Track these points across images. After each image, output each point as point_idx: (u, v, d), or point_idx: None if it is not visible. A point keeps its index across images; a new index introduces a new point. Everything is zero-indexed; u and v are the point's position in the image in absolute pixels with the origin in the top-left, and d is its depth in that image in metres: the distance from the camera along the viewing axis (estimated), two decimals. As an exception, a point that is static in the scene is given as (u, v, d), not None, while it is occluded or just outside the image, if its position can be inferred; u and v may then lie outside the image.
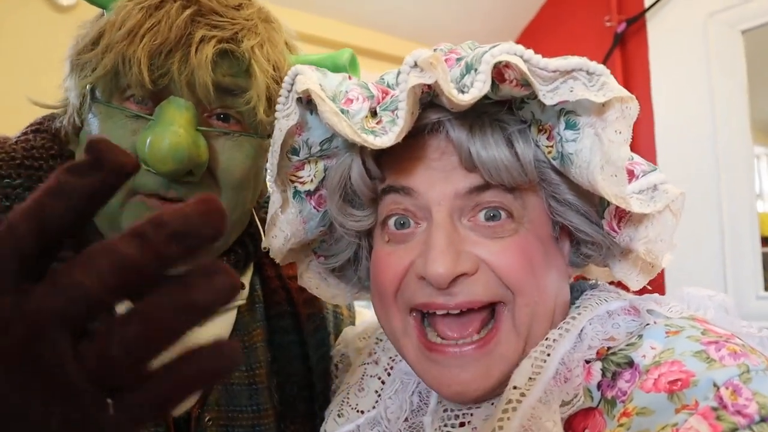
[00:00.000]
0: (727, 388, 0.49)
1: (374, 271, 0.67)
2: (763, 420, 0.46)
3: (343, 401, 0.77)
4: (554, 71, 0.52)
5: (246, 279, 0.88)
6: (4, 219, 0.29)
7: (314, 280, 0.79)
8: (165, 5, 0.68)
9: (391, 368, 0.76)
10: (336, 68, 0.76)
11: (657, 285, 1.49)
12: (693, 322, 0.58)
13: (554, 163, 0.61)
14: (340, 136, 0.60)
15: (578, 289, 0.71)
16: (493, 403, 0.64)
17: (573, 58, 0.53)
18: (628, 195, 0.58)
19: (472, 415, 0.64)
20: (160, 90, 0.68)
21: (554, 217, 0.65)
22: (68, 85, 0.75)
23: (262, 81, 0.72)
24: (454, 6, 2.92)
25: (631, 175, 0.61)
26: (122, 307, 0.30)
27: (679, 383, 0.51)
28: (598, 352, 0.60)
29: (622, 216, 0.62)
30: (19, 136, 0.79)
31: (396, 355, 0.77)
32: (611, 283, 0.73)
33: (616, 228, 0.63)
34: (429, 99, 0.60)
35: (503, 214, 0.61)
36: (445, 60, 0.59)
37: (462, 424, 0.64)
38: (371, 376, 0.77)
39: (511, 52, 0.53)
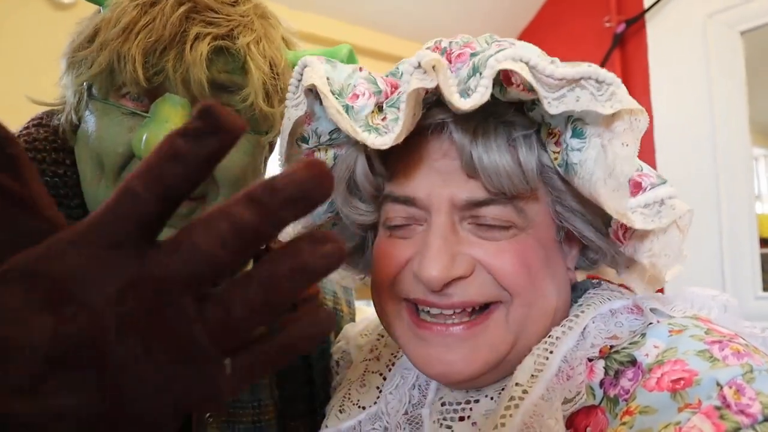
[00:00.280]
0: (730, 388, 0.49)
1: (374, 260, 0.68)
2: (766, 419, 0.46)
3: (344, 397, 0.77)
4: (560, 79, 0.51)
5: None
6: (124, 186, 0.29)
7: None
8: (160, 2, 0.68)
9: (392, 364, 0.76)
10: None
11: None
12: (696, 322, 0.58)
13: (559, 170, 0.60)
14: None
15: (581, 287, 0.70)
16: (492, 398, 0.64)
17: (582, 65, 0.52)
18: (633, 209, 0.57)
19: (471, 409, 0.64)
20: (156, 87, 0.68)
21: (560, 222, 0.64)
22: (65, 82, 0.75)
23: (258, 77, 0.71)
24: (453, 6, 2.92)
25: (639, 187, 0.59)
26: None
27: (682, 382, 0.51)
28: (601, 350, 0.60)
29: (628, 227, 0.61)
30: (21, 131, 0.79)
31: (397, 351, 0.77)
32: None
33: (621, 238, 0.61)
34: (435, 98, 0.60)
35: (498, 225, 0.61)
36: (458, 55, 0.58)
37: (461, 419, 0.64)
38: (373, 372, 0.78)
39: (516, 58, 0.52)
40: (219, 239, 0.29)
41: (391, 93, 0.60)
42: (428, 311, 0.63)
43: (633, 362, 0.57)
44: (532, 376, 0.58)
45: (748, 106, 2.38)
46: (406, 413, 0.70)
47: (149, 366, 0.29)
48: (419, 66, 0.53)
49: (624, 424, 0.52)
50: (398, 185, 0.64)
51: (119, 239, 0.29)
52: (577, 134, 0.56)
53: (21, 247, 0.31)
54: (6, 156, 0.32)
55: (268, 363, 0.32)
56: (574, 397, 0.57)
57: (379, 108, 0.60)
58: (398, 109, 0.57)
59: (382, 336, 0.83)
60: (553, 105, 0.53)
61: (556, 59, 0.56)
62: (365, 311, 1.07)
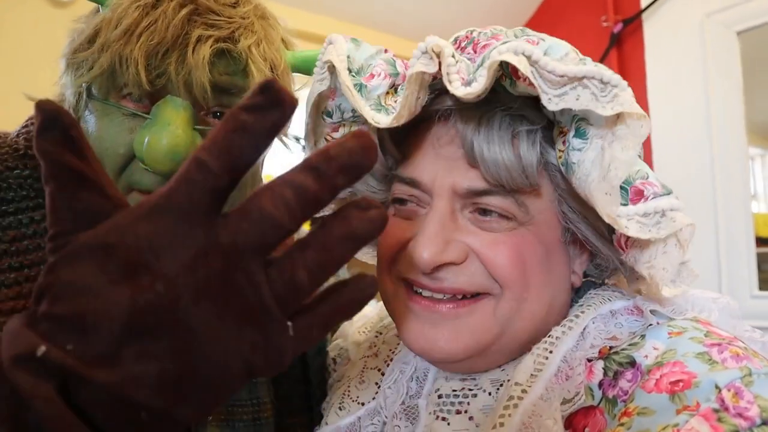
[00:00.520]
0: (729, 390, 0.49)
1: (379, 237, 0.69)
2: (764, 423, 0.46)
3: (344, 394, 0.77)
4: (562, 76, 0.51)
5: None
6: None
7: None
8: (161, 4, 0.68)
9: (391, 360, 0.76)
10: (300, 59, 0.77)
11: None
12: (696, 324, 0.58)
13: (562, 169, 0.60)
14: None
15: (582, 288, 0.70)
16: (489, 394, 0.64)
17: (588, 64, 0.52)
18: (630, 216, 0.56)
19: (468, 403, 0.64)
20: (157, 89, 0.68)
21: (565, 223, 0.64)
22: (64, 82, 0.75)
23: (259, 80, 0.72)
24: (451, 5, 2.92)
25: (640, 195, 0.57)
26: None
27: (681, 384, 0.51)
28: (600, 351, 0.60)
29: (630, 236, 0.60)
30: (20, 129, 0.79)
31: (395, 347, 0.77)
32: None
33: (623, 246, 0.61)
34: (442, 85, 0.61)
35: (498, 213, 0.62)
36: (484, 46, 0.59)
37: (458, 412, 0.64)
38: (371, 369, 0.78)
39: (518, 51, 0.52)
40: (284, 205, 0.30)
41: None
42: (421, 292, 0.64)
43: (632, 363, 0.57)
44: (532, 375, 0.58)
45: (744, 106, 2.38)
46: (402, 404, 0.70)
47: (221, 329, 0.31)
48: (426, 51, 0.55)
49: (622, 425, 0.53)
50: (406, 167, 0.66)
51: (190, 209, 0.31)
52: (580, 134, 0.56)
53: (89, 225, 0.33)
54: (70, 138, 0.33)
55: (324, 325, 0.34)
56: (573, 398, 0.57)
57: (395, 89, 0.62)
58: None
59: (381, 333, 0.84)
60: (552, 101, 0.53)
61: (570, 54, 0.56)
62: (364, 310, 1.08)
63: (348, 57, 0.61)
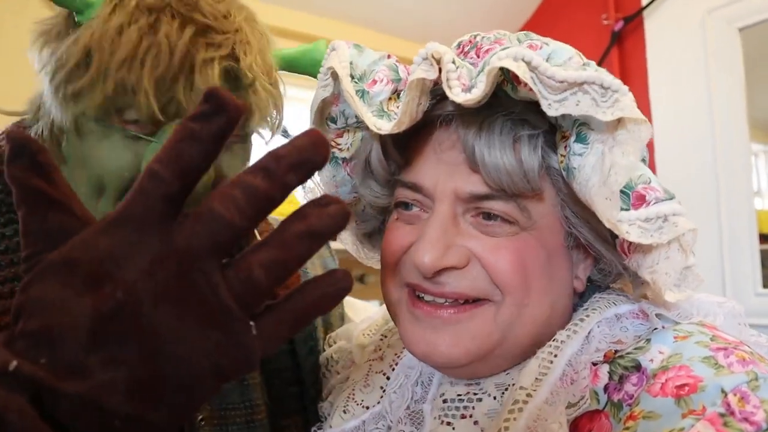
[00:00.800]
0: (735, 395, 0.49)
1: (383, 242, 0.70)
2: None
3: (348, 397, 0.77)
4: (562, 81, 0.51)
5: None
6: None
7: (350, 243, 0.85)
8: (160, 25, 0.66)
9: (396, 364, 0.76)
10: (314, 63, 0.77)
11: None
12: (702, 328, 0.58)
13: (563, 174, 0.60)
14: None
15: (587, 292, 0.70)
16: (495, 398, 0.64)
17: (589, 69, 0.52)
18: (632, 221, 0.56)
19: (473, 408, 0.64)
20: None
21: (568, 228, 0.64)
22: (47, 100, 0.72)
23: (264, 95, 0.72)
24: (451, 5, 2.92)
25: (642, 200, 0.57)
26: None
27: (687, 388, 0.51)
28: (605, 355, 0.60)
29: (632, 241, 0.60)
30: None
31: (401, 351, 0.77)
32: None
33: (626, 251, 0.61)
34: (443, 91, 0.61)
35: (501, 217, 0.62)
36: (487, 50, 0.59)
37: (463, 416, 0.64)
38: (376, 373, 0.78)
39: (518, 57, 0.52)
40: (234, 205, 0.31)
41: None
42: (423, 297, 0.64)
43: (637, 367, 0.57)
44: (537, 379, 0.58)
45: (746, 103, 2.37)
46: (407, 408, 0.70)
47: (183, 331, 0.32)
48: (426, 57, 0.55)
49: (627, 429, 0.52)
50: (408, 172, 0.66)
51: (145, 218, 0.32)
52: (581, 139, 0.56)
53: (60, 244, 0.34)
54: (39, 164, 0.35)
55: (292, 322, 0.35)
56: (578, 402, 0.57)
57: (398, 95, 0.62)
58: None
59: (386, 336, 0.84)
60: (552, 107, 0.53)
61: (573, 58, 0.56)
62: (353, 303, 1.08)
63: (350, 63, 0.62)
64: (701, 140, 2.42)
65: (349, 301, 1.08)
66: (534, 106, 0.60)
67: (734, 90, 2.38)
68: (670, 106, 2.54)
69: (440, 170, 0.63)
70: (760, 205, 2.63)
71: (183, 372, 0.32)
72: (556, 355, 0.60)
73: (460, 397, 0.66)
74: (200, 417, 0.78)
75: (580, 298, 0.70)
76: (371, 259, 0.86)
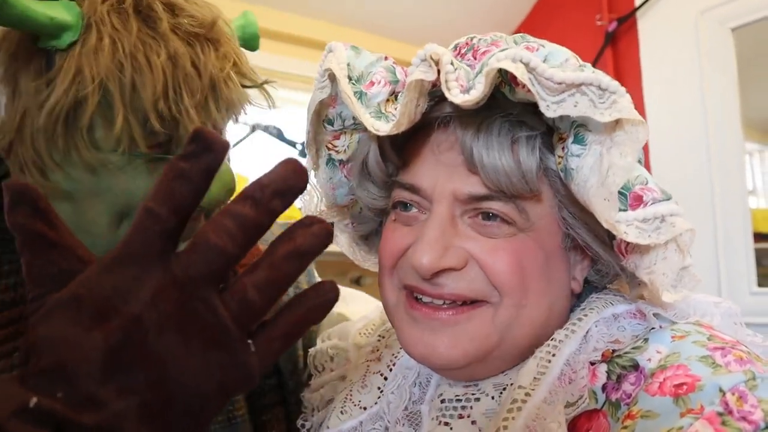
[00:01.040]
0: (733, 394, 0.49)
1: (380, 244, 0.70)
2: (767, 427, 0.46)
3: (346, 398, 0.77)
4: (560, 83, 0.51)
5: None
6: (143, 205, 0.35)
7: (346, 245, 0.85)
8: (176, 48, 0.64)
9: (394, 364, 0.76)
10: (254, 37, 0.79)
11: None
12: (699, 328, 0.59)
13: (561, 175, 0.60)
14: None
15: (584, 292, 0.70)
16: (493, 398, 0.64)
17: (586, 71, 0.52)
18: (629, 222, 0.56)
19: (471, 408, 0.64)
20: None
21: (566, 229, 0.64)
22: (29, 135, 0.65)
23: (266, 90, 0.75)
24: (444, 8, 2.92)
25: (639, 201, 0.57)
26: None
27: (685, 387, 0.51)
28: (603, 355, 0.60)
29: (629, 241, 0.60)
30: None
31: (398, 351, 0.77)
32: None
33: (624, 252, 0.61)
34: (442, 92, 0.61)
35: (500, 217, 0.62)
36: (483, 52, 0.59)
37: (461, 416, 0.64)
38: (374, 373, 0.78)
39: (516, 58, 0.52)
40: (226, 234, 0.34)
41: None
42: (421, 299, 0.64)
43: (635, 367, 0.57)
44: (535, 378, 0.58)
45: (740, 102, 2.38)
46: (405, 409, 0.70)
47: (188, 355, 0.34)
48: (425, 58, 0.55)
49: (626, 428, 0.53)
50: (406, 173, 0.66)
51: (145, 253, 0.34)
52: (579, 140, 0.57)
53: (63, 285, 0.36)
54: (39, 209, 0.37)
55: (285, 336, 0.37)
56: (577, 401, 0.57)
57: (395, 97, 0.62)
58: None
59: (383, 337, 0.84)
60: (551, 108, 0.53)
61: (570, 60, 0.56)
62: (345, 293, 1.08)
63: (348, 65, 0.62)
64: (695, 140, 2.43)
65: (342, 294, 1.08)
66: (532, 107, 0.60)
67: (728, 89, 2.39)
68: (664, 106, 2.55)
69: (438, 171, 0.63)
70: (755, 204, 2.63)
71: (190, 394, 0.34)
72: (554, 355, 0.60)
73: (458, 398, 0.66)
74: None
75: (577, 300, 0.70)
76: (367, 261, 0.86)
